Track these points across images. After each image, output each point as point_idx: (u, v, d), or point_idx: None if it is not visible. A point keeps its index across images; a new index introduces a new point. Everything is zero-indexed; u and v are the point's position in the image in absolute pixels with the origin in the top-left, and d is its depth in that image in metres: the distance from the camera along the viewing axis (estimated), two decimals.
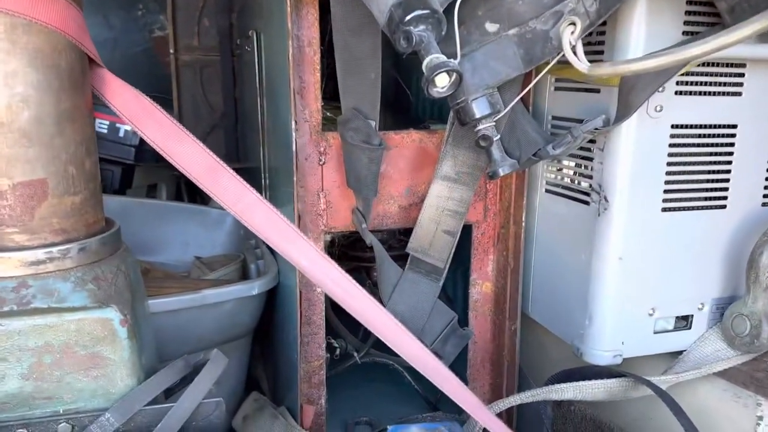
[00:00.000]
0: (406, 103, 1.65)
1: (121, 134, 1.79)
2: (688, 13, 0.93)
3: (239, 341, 1.29)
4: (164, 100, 1.34)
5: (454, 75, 0.76)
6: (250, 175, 1.46)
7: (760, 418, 0.99)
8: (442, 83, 0.77)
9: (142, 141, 1.80)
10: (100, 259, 0.81)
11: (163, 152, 0.82)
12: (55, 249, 0.77)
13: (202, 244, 1.62)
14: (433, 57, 0.77)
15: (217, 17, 2.00)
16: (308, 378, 1.15)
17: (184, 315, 1.13)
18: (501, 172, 0.94)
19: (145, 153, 1.82)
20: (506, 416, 1.22)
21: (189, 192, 2.27)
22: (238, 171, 0.83)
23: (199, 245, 1.62)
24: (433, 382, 0.81)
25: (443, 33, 0.80)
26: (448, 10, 0.84)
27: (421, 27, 0.77)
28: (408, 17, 0.76)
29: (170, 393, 0.89)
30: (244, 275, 1.42)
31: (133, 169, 1.96)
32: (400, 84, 1.67)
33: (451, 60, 0.77)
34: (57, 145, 0.75)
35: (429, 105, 1.49)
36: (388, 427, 0.77)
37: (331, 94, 1.15)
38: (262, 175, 1.45)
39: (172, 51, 2.01)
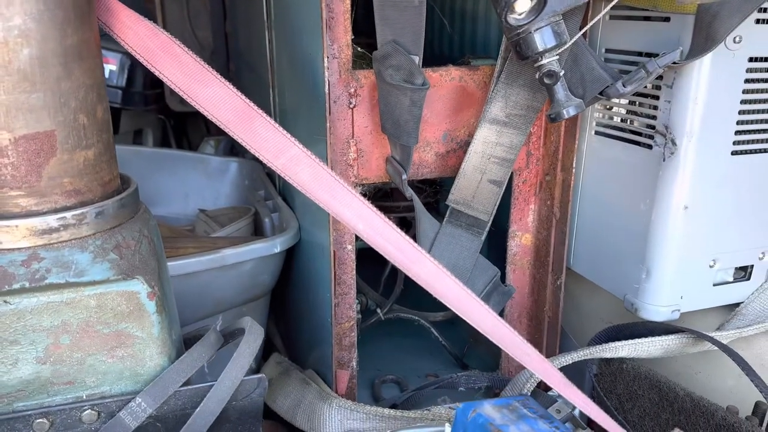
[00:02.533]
0: (430, 36, 1.50)
1: (106, 75, 1.62)
2: None
3: (257, 302, 1.19)
4: None
5: None
6: None
7: None
8: (522, 7, 0.65)
9: (129, 83, 1.64)
10: (120, 223, 0.70)
11: (186, 96, 0.70)
12: (68, 214, 0.65)
13: (204, 196, 1.50)
14: None
15: None
16: (339, 340, 1.06)
17: (202, 277, 1.02)
18: (565, 114, 0.83)
19: (134, 96, 1.67)
20: None
21: (177, 138, 2.15)
22: None
23: (200, 197, 1.50)
24: (514, 356, 0.73)
25: None
26: None
27: None
28: None
29: None
30: (256, 230, 1.32)
31: (119, 114, 1.80)
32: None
33: None
34: (65, 90, 0.62)
35: (468, 38, 1.35)
36: (456, 404, 0.68)
37: (359, 26, 1.01)
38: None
39: None
